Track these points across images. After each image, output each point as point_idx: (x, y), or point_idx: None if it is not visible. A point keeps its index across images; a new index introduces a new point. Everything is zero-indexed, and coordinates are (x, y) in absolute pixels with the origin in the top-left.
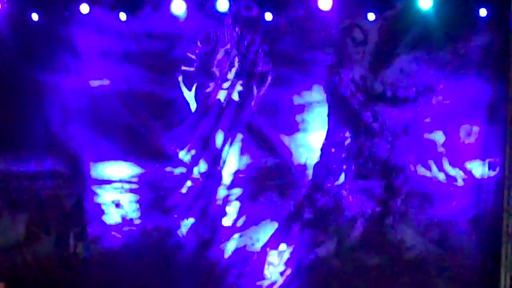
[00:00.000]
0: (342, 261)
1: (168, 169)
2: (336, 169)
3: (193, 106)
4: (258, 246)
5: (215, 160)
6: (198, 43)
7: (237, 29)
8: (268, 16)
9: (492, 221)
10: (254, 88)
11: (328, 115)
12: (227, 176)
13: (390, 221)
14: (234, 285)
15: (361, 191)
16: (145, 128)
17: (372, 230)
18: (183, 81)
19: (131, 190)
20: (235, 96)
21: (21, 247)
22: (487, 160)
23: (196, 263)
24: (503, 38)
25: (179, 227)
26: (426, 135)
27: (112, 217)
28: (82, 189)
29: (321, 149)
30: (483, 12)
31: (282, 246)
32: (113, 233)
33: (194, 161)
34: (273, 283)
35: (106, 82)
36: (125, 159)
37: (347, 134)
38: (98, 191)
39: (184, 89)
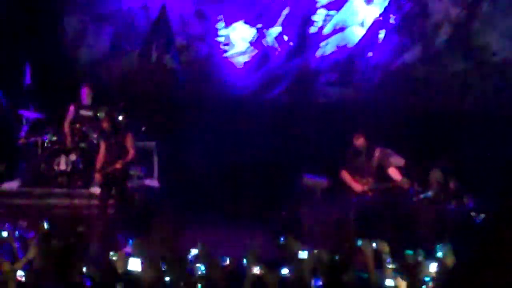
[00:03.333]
0: (428, 66)
1: None
2: None
3: None
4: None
5: None
6: None
7: None
8: None
9: None
10: None
11: None
12: None
13: (476, 25)
14: (322, 92)
15: None
16: None
17: (458, 35)
18: None
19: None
20: None
21: (106, 59)
22: None
23: (283, 70)
24: None
25: (264, 36)
26: None
27: (195, 27)
28: None
29: None
30: None
31: (370, 53)
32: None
33: None
34: (360, 87)
35: None
36: None
37: None
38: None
39: None
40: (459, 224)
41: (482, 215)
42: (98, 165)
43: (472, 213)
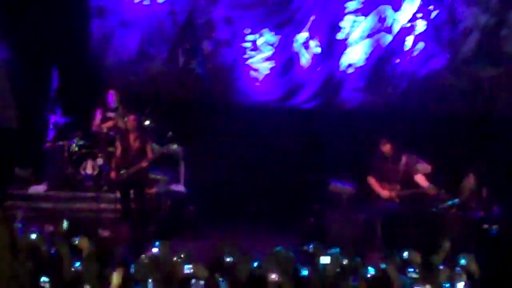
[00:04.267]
0: (456, 73)
1: None
2: None
3: None
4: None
5: None
6: None
7: None
8: None
9: None
10: None
11: None
12: None
13: (505, 32)
14: (349, 98)
15: (475, 1)
16: None
17: (486, 42)
18: None
19: (242, 5)
20: None
21: (133, 64)
22: None
23: (309, 77)
24: None
25: (291, 42)
26: None
27: (222, 33)
28: (193, 4)
29: None
30: None
31: (397, 60)
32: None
33: None
34: (387, 94)
35: None
36: None
37: None
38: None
39: None
40: (483, 233)
41: (495, 226)
42: (116, 162)
43: (484, 225)
